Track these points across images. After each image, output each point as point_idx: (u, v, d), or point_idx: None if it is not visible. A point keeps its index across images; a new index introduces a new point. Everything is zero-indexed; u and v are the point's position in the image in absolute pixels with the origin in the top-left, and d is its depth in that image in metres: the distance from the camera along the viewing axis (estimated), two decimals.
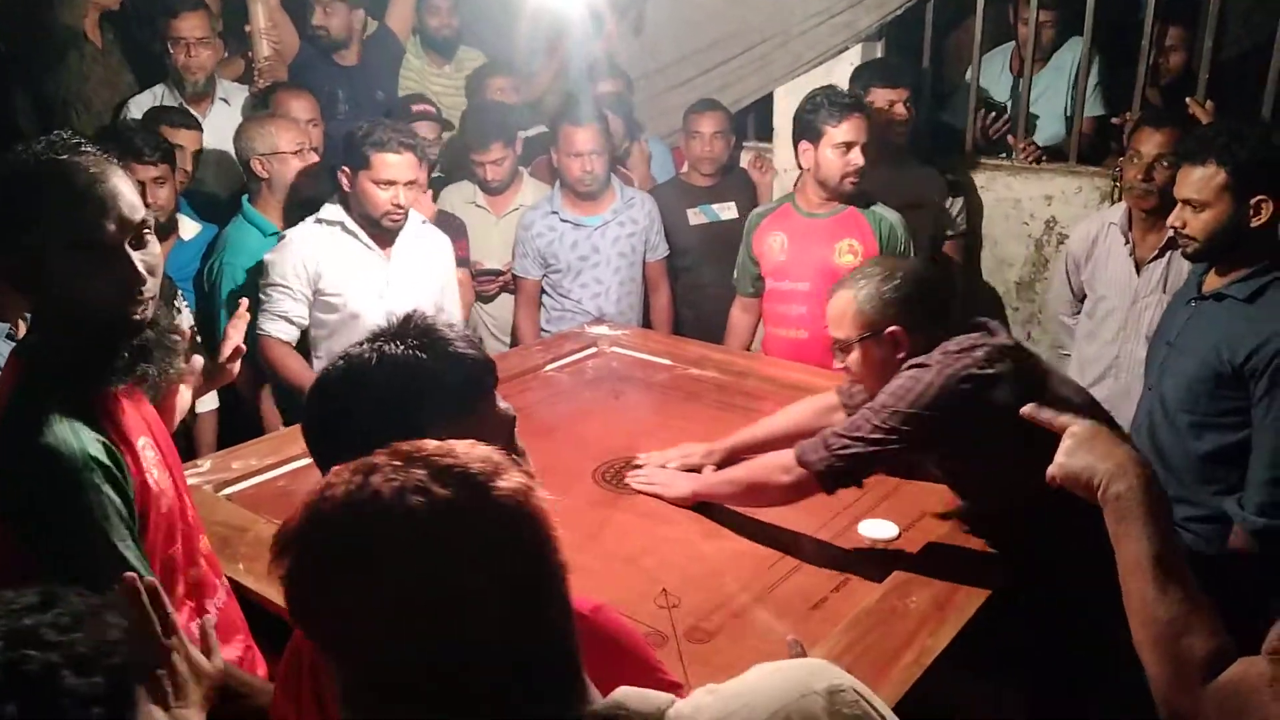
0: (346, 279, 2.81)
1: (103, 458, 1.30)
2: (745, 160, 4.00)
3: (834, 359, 2.03)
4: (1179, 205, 2.21)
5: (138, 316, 1.33)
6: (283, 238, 2.84)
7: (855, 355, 1.94)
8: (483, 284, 3.46)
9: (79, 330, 1.32)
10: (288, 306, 2.80)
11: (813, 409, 2.23)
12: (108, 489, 1.30)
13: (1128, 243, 2.84)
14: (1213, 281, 2.26)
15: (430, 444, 0.78)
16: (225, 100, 3.62)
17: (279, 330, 2.80)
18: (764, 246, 3.04)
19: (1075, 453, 1.26)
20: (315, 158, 3.14)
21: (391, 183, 2.69)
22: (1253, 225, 2.14)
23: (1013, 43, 3.80)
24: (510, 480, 0.77)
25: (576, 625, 0.99)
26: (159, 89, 3.56)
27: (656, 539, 2.01)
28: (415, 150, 2.72)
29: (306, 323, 2.84)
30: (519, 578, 0.75)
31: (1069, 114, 3.63)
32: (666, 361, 2.99)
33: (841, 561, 1.89)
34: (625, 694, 0.82)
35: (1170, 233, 2.73)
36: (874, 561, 1.89)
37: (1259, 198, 2.12)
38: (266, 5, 3.77)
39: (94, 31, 3.69)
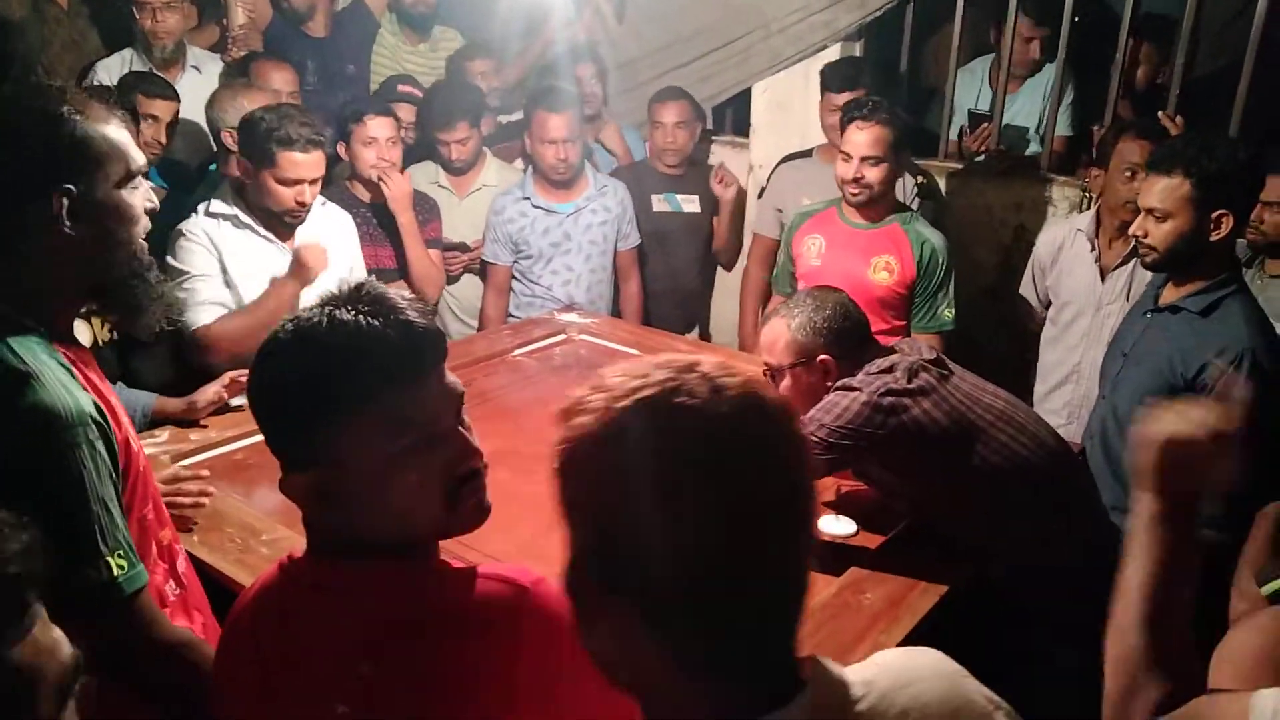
0: (246, 272, 2.61)
1: (95, 415, 1.29)
2: (714, 158, 4.00)
3: None
4: (1141, 214, 2.23)
5: (139, 258, 1.38)
6: (180, 233, 2.62)
7: (787, 381, 2.01)
8: (448, 261, 3.43)
9: (80, 274, 1.33)
10: (212, 292, 2.58)
11: None
12: (100, 447, 1.28)
13: (1093, 249, 2.87)
14: (1169, 294, 2.28)
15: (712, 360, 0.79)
16: (196, 68, 3.56)
17: (206, 315, 2.55)
18: (802, 247, 3.00)
19: (1177, 432, 1.16)
20: None
21: (297, 181, 2.53)
22: (1212, 239, 2.15)
23: (992, 55, 3.83)
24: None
25: (514, 600, 1.01)
26: (127, 53, 3.49)
27: None
28: (323, 145, 2.58)
29: (233, 304, 2.61)
30: (790, 494, 0.76)
31: (1041, 133, 3.66)
32: (634, 351, 2.99)
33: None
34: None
35: (1128, 240, 2.80)
36: (831, 557, 1.91)
37: (1220, 212, 2.13)
38: None
39: None
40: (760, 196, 3.62)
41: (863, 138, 2.78)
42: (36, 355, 1.27)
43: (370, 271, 3.18)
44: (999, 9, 3.65)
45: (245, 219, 2.63)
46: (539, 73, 3.87)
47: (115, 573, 1.27)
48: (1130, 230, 2.30)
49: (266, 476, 2.16)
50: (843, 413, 1.82)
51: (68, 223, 1.27)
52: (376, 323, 1.00)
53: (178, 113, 3.14)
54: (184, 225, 2.61)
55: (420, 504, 1.02)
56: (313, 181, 2.57)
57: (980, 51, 3.90)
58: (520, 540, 1.89)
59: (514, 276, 3.43)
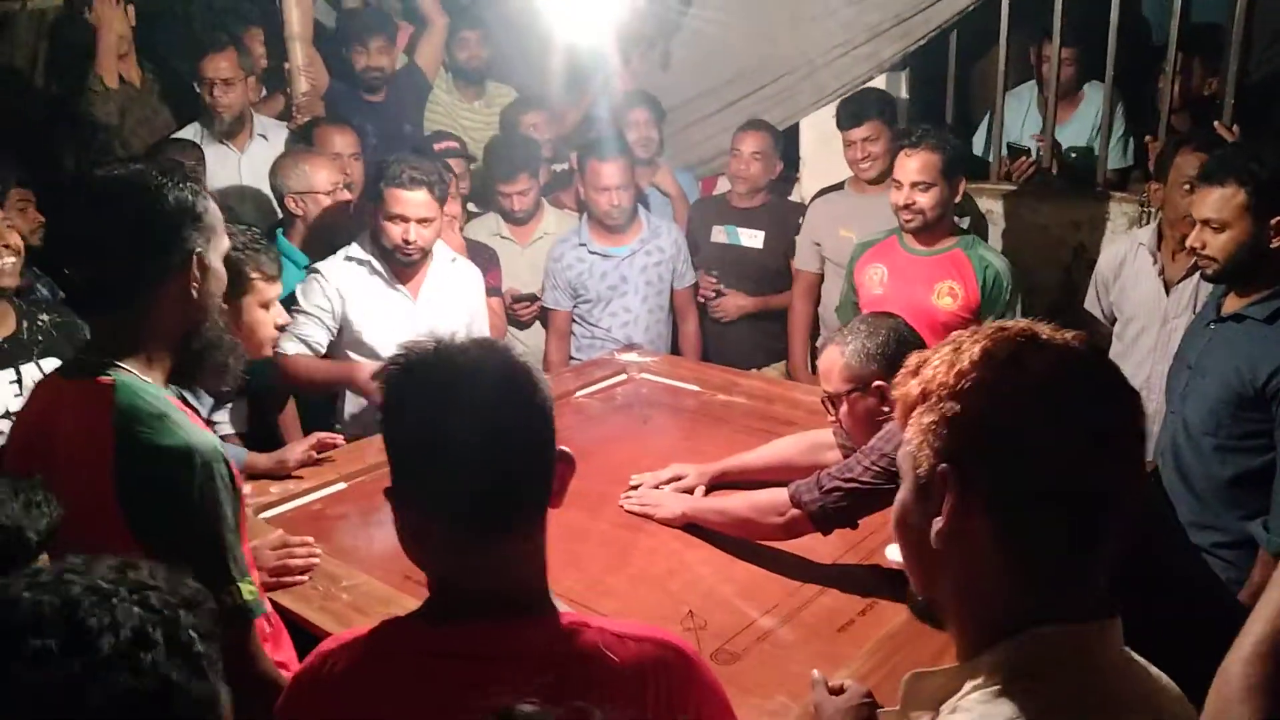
0: (369, 316, 2.85)
1: (222, 454, 1.40)
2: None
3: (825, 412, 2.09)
4: (1198, 226, 2.22)
5: (223, 322, 1.53)
6: (314, 270, 2.89)
7: (844, 409, 2.01)
8: (519, 311, 3.51)
9: (183, 330, 1.46)
10: (309, 331, 2.81)
11: (805, 444, 2.30)
12: (228, 481, 1.39)
13: (1156, 263, 2.84)
14: (1232, 303, 2.27)
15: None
16: (264, 136, 3.72)
17: (294, 348, 2.79)
18: (864, 277, 3.03)
19: None
20: (348, 195, 3.20)
21: (403, 218, 2.72)
22: (1272, 245, 2.15)
23: (1032, 81, 3.83)
24: None
25: (676, 661, 1.07)
26: (194, 126, 3.66)
27: (683, 562, 2.03)
28: (432, 188, 2.73)
29: (324, 350, 2.85)
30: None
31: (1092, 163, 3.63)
32: (695, 387, 3.02)
33: (868, 585, 1.90)
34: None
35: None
36: (901, 584, 1.88)
37: (1278, 218, 2.13)
38: (304, 43, 3.88)
39: (131, 71, 3.80)
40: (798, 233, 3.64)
41: (912, 164, 2.80)
42: (160, 397, 1.39)
43: None
44: (1039, 33, 3.65)
45: (377, 265, 2.86)
46: (587, 122, 3.96)
47: (246, 597, 1.38)
48: (1188, 243, 2.29)
49: (344, 525, 2.25)
50: (902, 441, 1.82)
51: (196, 282, 1.43)
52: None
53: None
54: (320, 265, 2.89)
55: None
56: (421, 221, 2.73)
57: (1023, 77, 3.90)
58: (590, 577, 1.93)
59: (574, 320, 3.50)
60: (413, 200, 2.71)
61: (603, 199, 3.33)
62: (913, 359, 0.95)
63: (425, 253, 2.83)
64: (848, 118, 3.36)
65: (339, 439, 2.51)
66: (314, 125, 3.55)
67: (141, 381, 1.39)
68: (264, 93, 4.00)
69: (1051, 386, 0.86)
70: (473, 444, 1.01)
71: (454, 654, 1.02)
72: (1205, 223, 2.19)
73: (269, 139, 3.70)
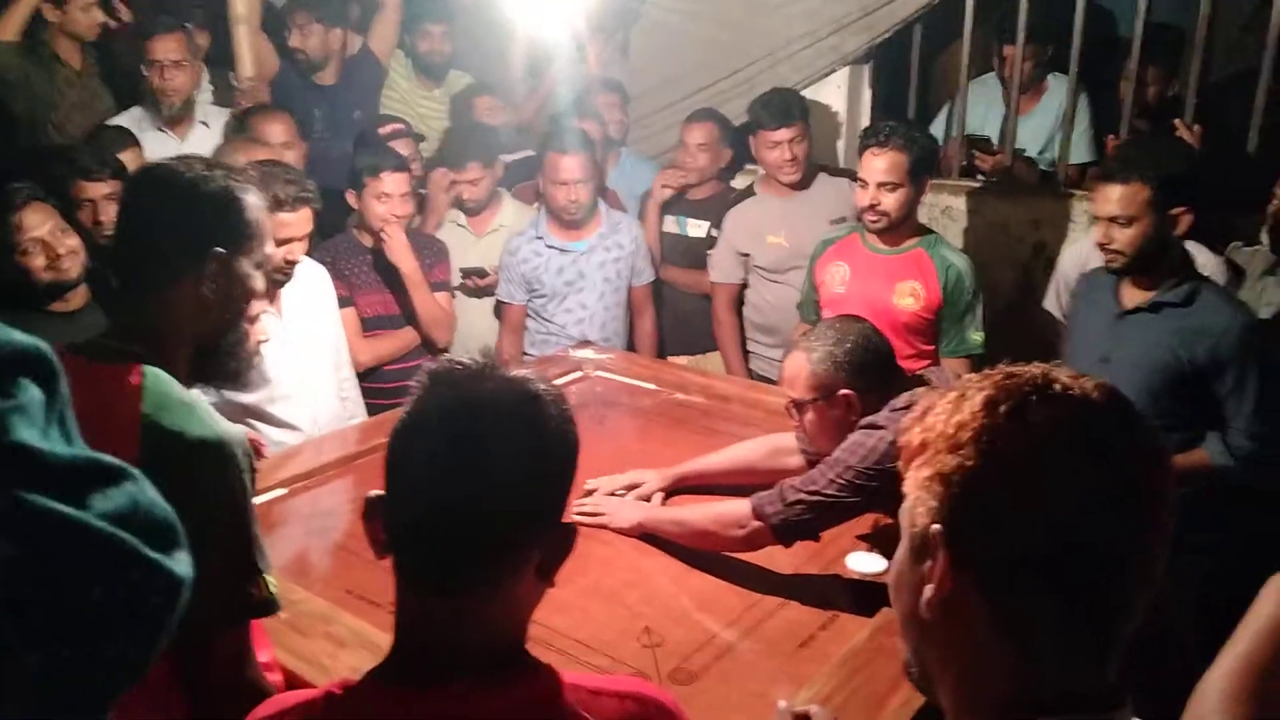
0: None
1: (247, 445, 1.38)
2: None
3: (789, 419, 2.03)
4: (1103, 223, 2.30)
5: (246, 331, 1.51)
6: None
7: (810, 416, 1.95)
8: (471, 283, 3.41)
9: (196, 330, 1.44)
10: None
11: (766, 448, 2.24)
12: (252, 476, 1.38)
13: None
14: (1137, 294, 2.36)
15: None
16: (205, 123, 3.57)
17: None
18: (825, 275, 2.97)
19: None
20: None
21: (287, 240, 2.52)
22: (1175, 236, 2.27)
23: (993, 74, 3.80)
24: None
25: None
26: (136, 111, 3.51)
27: (640, 573, 1.96)
28: (310, 202, 2.57)
29: None
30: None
31: (1054, 158, 3.61)
32: (651, 386, 2.95)
33: (829, 597, 1.85)
34: None
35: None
36: (863, 597, 1.84)
37: (1179, 209, 2.24)
38: (249, 26, 3.73)
39: (71, 54, 3.63)
40: (701, 244, 3.56)
41: (879, 164, 2.74)
42: (185, 389, 1.37)
43: (378, 318, 3.18)
44: (1004, 29, 3.61)
45: None
46: (546, 111, 3.86)
47: (272, 590, 1.37)
48: (1095, 240, 2.37)
49: (281, 536, 2.15)
50: (868, 453, 1.76)
51: (210, 282, 1.40)
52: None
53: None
54: None
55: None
56: (301, 239, 2.57)
57: (985, 69, 3.86)
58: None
59: (528, 315, 3.41)
60: (295, 221, 2.53)
61: (560, 193, 3.24)
62: (921, 404, 0.86)
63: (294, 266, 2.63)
64: (774, 117, 3.23)
65: (263, 442, 2.37)
66: (249, 114, 3.41)
67: (166, 373, 1.38)
68: (206, 80, 3.84)
69: (1054, 443, 0.78)
70: (440, 487, 0.93)
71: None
72: (1112, 219, 2.27)
73: (211, 126, 3.56)
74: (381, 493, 0.97)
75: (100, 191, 2.71)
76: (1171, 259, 2.31)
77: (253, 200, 1.45)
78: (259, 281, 1.49)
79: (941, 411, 0.82)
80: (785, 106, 3.25)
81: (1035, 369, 0.82)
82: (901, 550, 0.86)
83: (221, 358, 1.49)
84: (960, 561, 0.79)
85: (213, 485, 1.30)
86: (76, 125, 3.58)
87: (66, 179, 2.70)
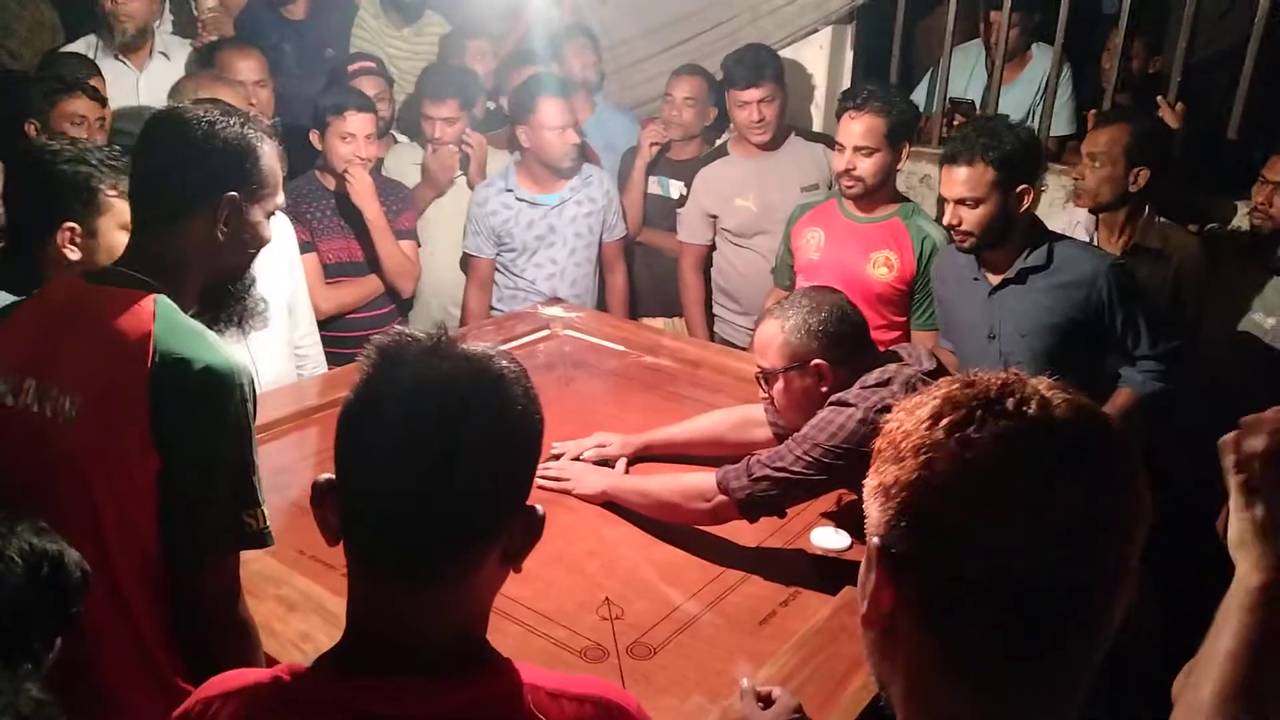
0: None
1: (250, 375, 1.40)
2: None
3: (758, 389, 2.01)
4: (951, 205, 2.36)
5: (250, 277, 1.55)
6: None
7: (779, 385, 1.91)
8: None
9: (206, 271, 1.46)
10: None
11: (734, 419, 2.21)
12: (255, 408, 1.40)
13: (1092, 241, 2.81)
14: (1001, 268, 2.43)
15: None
16: (165, 54, 3.43)
17: None
18: (801, 240, 2.92)
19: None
20: None
21: None
22: (1021, 212, 2.35)
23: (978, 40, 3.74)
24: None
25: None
26: (91, 39, 3.35)
27: (603, 542, 1.93)
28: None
29: None
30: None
31: (1035, 129, 3.57)
32: (620, 348, 2.90)
33: (792, 572, 1.83)
34: None
35: (1131, 235, 2.74)
36: (826, 573, 1.83)
37: (1022, 187, 2.32)
38: None
39: None
40: (681, 205, 3.50)
41: (856, 128, 2.69)
42: (198, 327, 1.39)
43: (340, 265, 3.09)
44: None
45: None
46: (520, 55, 3.73)
47: (264, 523, 1.38)
48: (945, 222, 2.43)
49: None
50: (837, 430, 1.74)
51: (223, 226, 1.42)
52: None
53: (105, 118, 2.76)
54: None
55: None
56: None
57: (969, 35, 3.81)
58: None
59: (496, 269, 3.34)
60: None
61: (557, 139, 3.14)
62: (900, 404, 0.80)
63: None
64: (744, 77, 3.15)
65: None
66: (217, 48, 3.26)
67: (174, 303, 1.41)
68: (166, 10, 3.67)
69: (991, 467, 0.71)
70: (395, 469, 0.87)
71: (366, 714, 0.87)
72: (960, 201, 2.33)
73: (170, 58, 3.42)
74: (331, 477, 0.92)
75: (96, 113, 2.59)
76: (1023, 230, 2.39)
77: (268, 149, 1.47)
78: (268, 230, 1.50)
79: (897, 416, 0.78)
80: (757, 65, 3.16)
81: (996, 379, 0.76)
82: (864, 560, 0.81)
83: (230, 300, 1.52)
84: (898, 581, 0.75)
85: (218, 411, 1.33)
86: (35, 50, 3.42)
87: (48, 98, 2.57)
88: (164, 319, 1.35)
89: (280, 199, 1.52)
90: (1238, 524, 1.01)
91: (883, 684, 0.81)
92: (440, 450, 0.87)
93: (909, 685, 0.77)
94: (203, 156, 1.41)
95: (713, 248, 3.43)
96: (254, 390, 1.40)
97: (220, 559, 1.36)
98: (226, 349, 1.38)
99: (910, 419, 0.76)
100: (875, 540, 0.76)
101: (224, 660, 1.21)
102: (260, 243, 1.50)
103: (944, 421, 0.73)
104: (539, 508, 0.95)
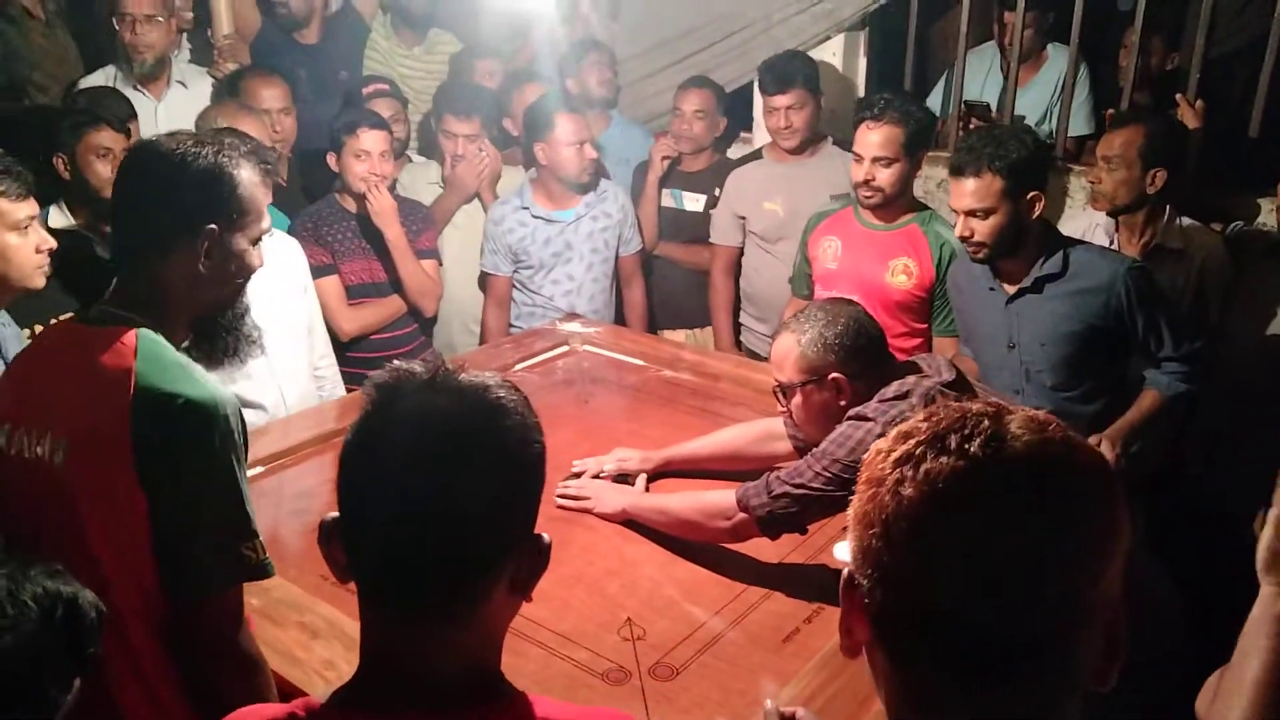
0: None
1: (240, 409, 1.40)
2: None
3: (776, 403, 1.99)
4: (962, 217, 2.33)
5: (241, 307, 1.54)
6: None
7: (797, 400, 1.89)
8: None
9: (192, 306, 1.46)
10: None
11: (754, 433, 2.20)
12: (245, 440, 1.40)
13: (1112, 243, 2.78)
14: (1016, 277, 2.40)
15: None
16: (182, 83, 3.46)
17: None
18: (818, 250, 2.92)
19: None
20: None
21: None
22: (1032, 219, 2.33)
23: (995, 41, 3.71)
24: None
25: None
26: (110, 70, 3.39)
27: (624, 561, 1.93)
28: (269, 175, 2.47)
29: None
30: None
31: (1053, 129, 3.54)
32: (639, 362, 2.90)
33: (815, 589, 1.81)
34: None
35: (1152, 235, 2.71)
36: None
37: (1032, 194, 2.30)
38: None
39: (34, 3, 3.50)
40: (713, 206, 3.50)
41: (874, 138, 2.67)
42: (178, 352, 1.39)
43: (363, 286, 3.11)
44: None
45: None
46: (525, 75, 3.74)
47: (264, 554, 1.37)
48: (957, 234, 2.39)
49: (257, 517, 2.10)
50: (856, 446, 1.72)
51: (203, 259, 1.41)
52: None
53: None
54: None
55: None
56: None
57: (983, 38, 3.78)
58: None
59: (514, 286, 3.34)
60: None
61: (575, 155, 3.15)
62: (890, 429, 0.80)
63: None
64: (772, 82, 3.18)
65: None
66: (241, 76, 3.28)
67: (160, 336, 1.40)
68: (184, 39, 3.71)
69: (928, 507, 0.70)
70: (395, 510, 0.87)
71: None
72: (970, 213, 2.31)
73: (189, 87, 3.45)
74: (337, 515, 0.92)
75: (120, 145, 2.61)
76: (1036, 237, 2.36)
77: (246, 175, 1.45)
78: (255, 257, 1.49)
79: (876, 444, 0.77)
80: (786, 72, 3.17)
81: (958, 412, 0.74)
82: None
83: (220, 332, 1.51)
84: (859, 610, 0.75)
85: (201, 445, 1.32)
86: (57, 82, 3.47)
87: (74, 131, 2.60)
88: (146, 354, 1.34)
89: (267, 223, 1.50)
90: (1269, 547, 1.00)
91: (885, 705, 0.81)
92: (441, 486, 0.87)
93: (890, 713, 0.77)
94: (177, 191, 1.40)
95: (743, 251, 3.42)
96: (241, 421, 1.38)
97: (221, 594, 1.35)
98: (210, 381, 1.37)
99: (874, 449, 0.76)
100: (845, 571, 0.76)
101: (232, 697, 1.21)
102: (247, 271, 1.49)
103: (892, 456, 0.73)
104: (545, 536, 0.95)
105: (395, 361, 0.98)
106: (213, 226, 1.41)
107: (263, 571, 1.38)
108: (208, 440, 1.32)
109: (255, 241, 1.49)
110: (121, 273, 1.46)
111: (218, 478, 1.33)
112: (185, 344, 1.47)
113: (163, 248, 1.41)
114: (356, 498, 0.91)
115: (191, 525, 1.32)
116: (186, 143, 1.43)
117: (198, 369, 1.39)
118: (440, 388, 0.92)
